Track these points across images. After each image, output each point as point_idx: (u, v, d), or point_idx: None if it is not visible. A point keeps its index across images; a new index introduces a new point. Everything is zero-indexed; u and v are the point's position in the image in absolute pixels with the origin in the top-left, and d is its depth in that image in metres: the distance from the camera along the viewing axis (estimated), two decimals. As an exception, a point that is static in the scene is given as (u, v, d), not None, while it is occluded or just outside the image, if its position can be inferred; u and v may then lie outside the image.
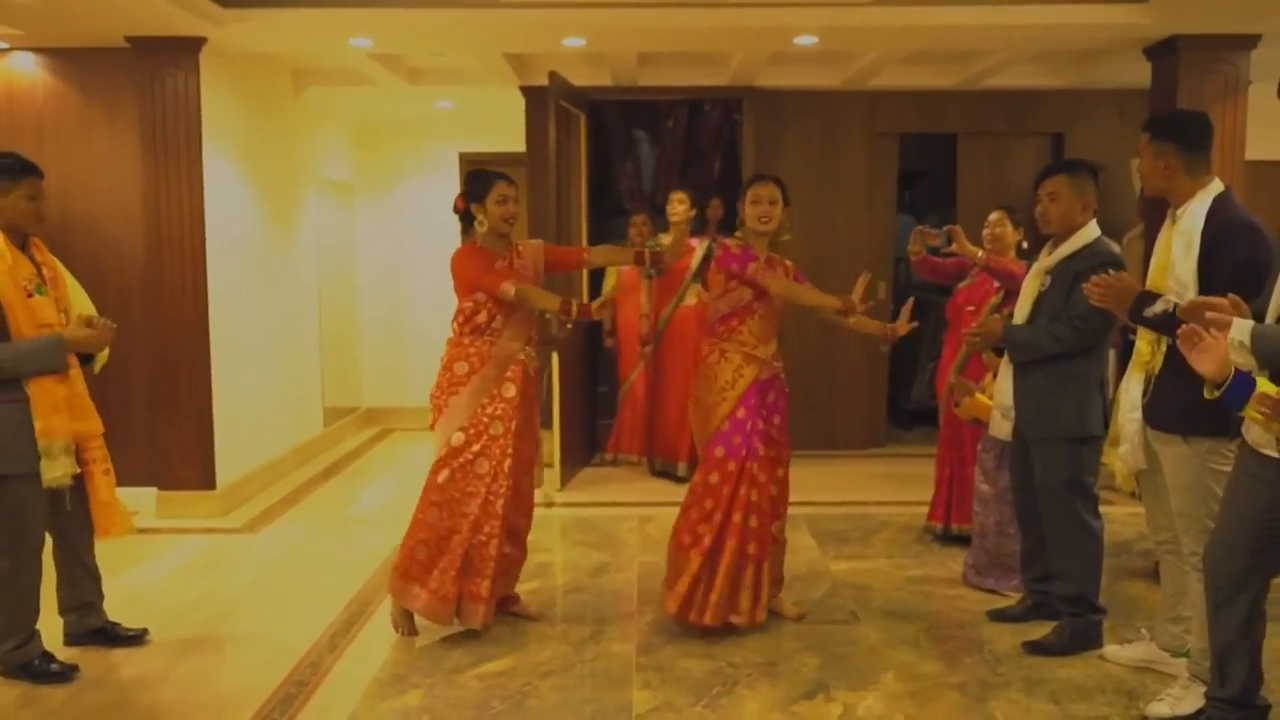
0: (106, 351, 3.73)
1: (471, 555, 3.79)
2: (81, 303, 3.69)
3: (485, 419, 3.82)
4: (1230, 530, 2.81)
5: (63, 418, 3.44)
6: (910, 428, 7.80)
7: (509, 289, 3.76)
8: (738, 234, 4.05)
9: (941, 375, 4.80)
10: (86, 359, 3.66)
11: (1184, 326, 2.58)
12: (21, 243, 3.53)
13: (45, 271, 3.57)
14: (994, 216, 4.64)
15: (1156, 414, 3.19)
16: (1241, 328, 2.52)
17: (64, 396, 3.46)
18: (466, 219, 3.99)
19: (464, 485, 3.80)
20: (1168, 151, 3.18)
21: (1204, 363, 2.51)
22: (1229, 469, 2.96)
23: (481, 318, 3.88)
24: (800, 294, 3.90)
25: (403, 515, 5.58)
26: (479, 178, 3.98)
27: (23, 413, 3.38)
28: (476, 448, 3.80)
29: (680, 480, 6.28)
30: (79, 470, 3.53)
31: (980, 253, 4.58)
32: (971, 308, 4.46)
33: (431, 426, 3.91)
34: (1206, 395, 2.52)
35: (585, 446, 6.79)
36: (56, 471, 3.43)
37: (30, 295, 3.43)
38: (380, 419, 8.32)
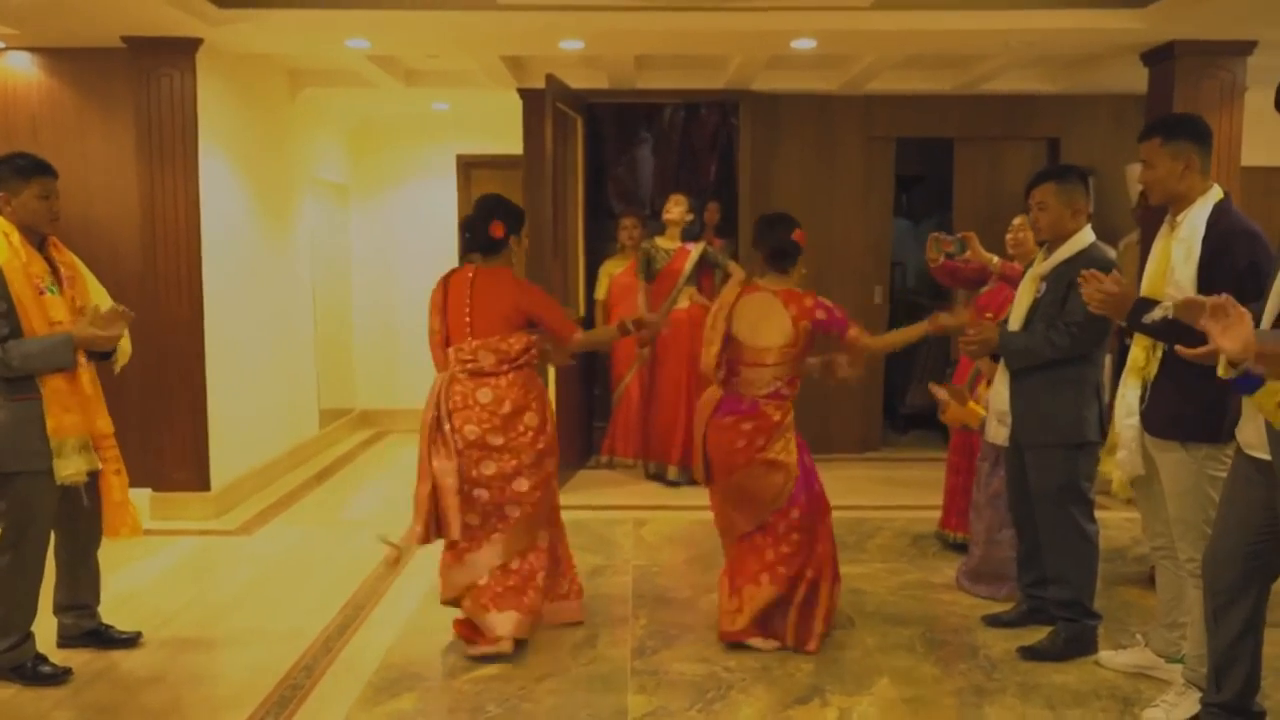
0: (128, 349, 3.73)
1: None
2: (102, 301, 3.68)
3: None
4: (1227, 535, 2.81)
5: (75, 416, 3.44)
6: (905, 431, 7.80)
7: (579, 337, 3.92)
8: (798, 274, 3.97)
9: (958, 381, 4.77)
10: (104, 356, 3.65)
11: (1214, 300, 2.50)
12: (40, 242, 3.54)
13: (63, 271, 3.58)
14: (1017, 221, 4.50)
15: (1154, 420, 3.19)
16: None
17: (76, 395, 3.46)
18: (499, 248, 3.89)
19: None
20: (1187, 150, 3.15)
21: (1231, 339, 2.43)
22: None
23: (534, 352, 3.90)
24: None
25: (396, 518, 5.60)
26: (515, 211, 3.93)
27: (35, 410, 3.39)
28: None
29: (671, 484, 6.28)
30: (98, 468, 3.53)
31: (995, 259, 4.54)
32: (990, 314, 4.38)
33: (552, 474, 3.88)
34: (1221, 373, 2.47)
35: (580, 449, 6.78)
36: (69, 469, 3.43)
37: (42, 293, 3.44)
38: (374, 421, 8.31)
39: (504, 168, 7.82)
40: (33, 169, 3.50)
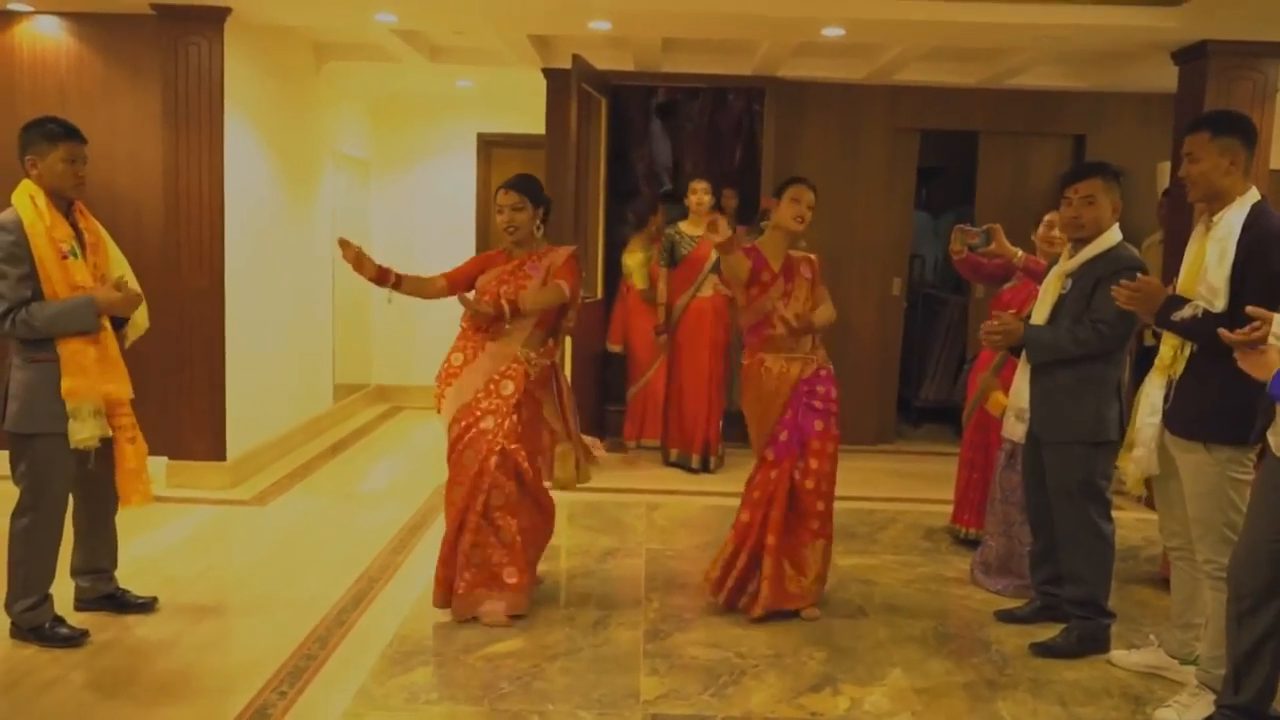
0: (145, 321, 3.75)
1: (449, 545, 3.84)
2: (120, 269, 3.69)
3: (478, 412, 3.82)
4: (1255, 541, 2.80)
5: (90, 380, 3.44)
6: (919, 424, 7.79)
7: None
8: (762, 224, 4.12)
9: (976, 377, 4.73)
10: (120, 325, 3.66)
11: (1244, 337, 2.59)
12: (66, 207, 3.55)
13: (87, 237, 3.59)
14: (1050, 218, 4.43)
15: (1177, 420, 3.17)
16: None
17: (94, 359, 3.46)
18: None
19: (455, 476, 3.84)
20: (1235, 147, 3.12)
21: (1253, 369, 2.53)
22: (1248, 478, 2.96)
23: None
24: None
25: (410, 492, 5.65)
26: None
27: (53, 373, 3.41)
28: (466, 440, 3.82)
29: (694, 472, 6.28)
30: (110, 434, 3.54)
31: (1019, 253, 4.50)
32: (1013, 310, 4.33)
33: (438, 412, 3.97)
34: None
35: (594, 431, 6.78)
36: (84, 433, 3.44)
37: (65, 257, 3.45)
38: (389, 396, 8.34)
39: (524, 147, 7.82)
40: (61, 133, 3.50)
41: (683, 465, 6.36)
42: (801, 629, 3.88)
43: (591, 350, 6.64)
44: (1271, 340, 2.54)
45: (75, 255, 3.49)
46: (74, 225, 3.57)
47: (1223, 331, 2.65)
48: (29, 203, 3.43)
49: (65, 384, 3.40)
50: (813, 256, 4.12)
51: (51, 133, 3.49)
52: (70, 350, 3.43)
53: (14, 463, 3.47)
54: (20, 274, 3.36)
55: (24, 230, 3.38)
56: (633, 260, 6.63)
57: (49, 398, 3.41)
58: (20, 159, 3.49)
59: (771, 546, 3.89)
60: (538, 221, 3.98)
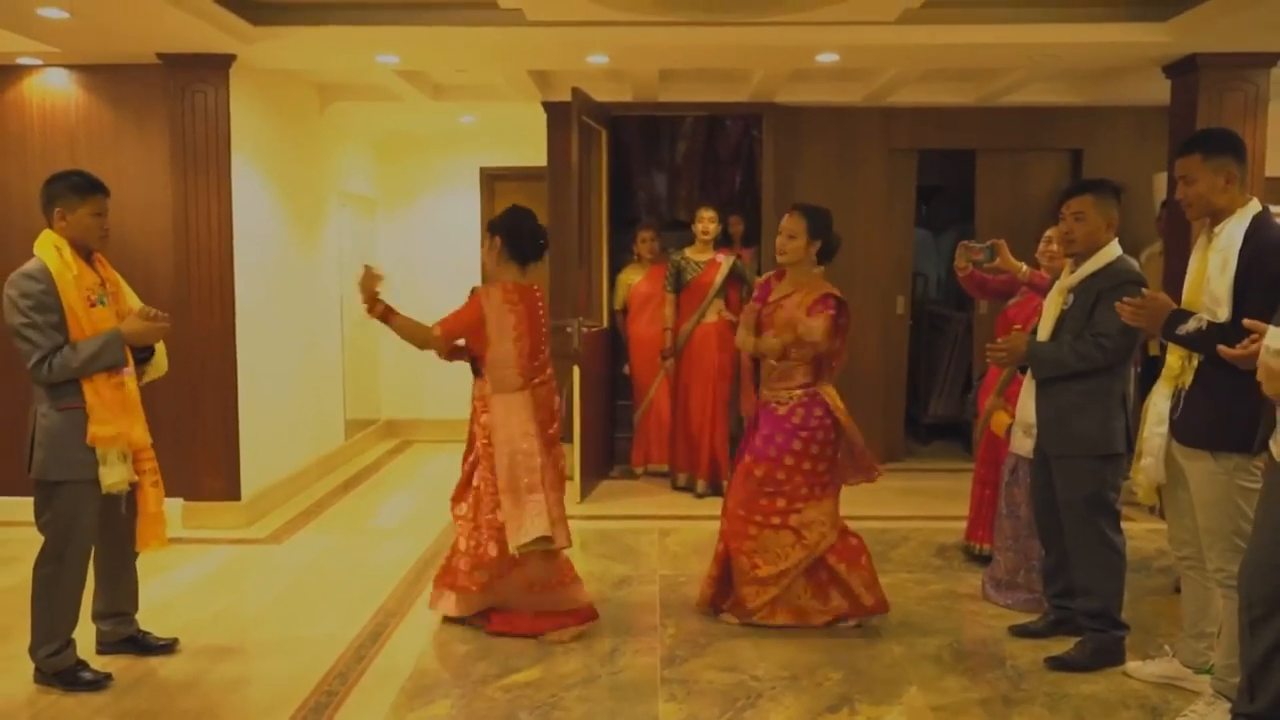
0: (164, 361, 3.82)
1: None
2: None
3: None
4: (1263, 548, 2.81)
5: (116, 427, 3.49)
6: (927, 442, 7.81)
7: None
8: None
9: (984, 394, 4.77)
10: (143, 359, 3.72)
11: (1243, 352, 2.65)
12: (87, 257, 3.62)
13: (108, 286, 3.66)
14: (1050, 233, 4.42)
15: (1185, 429, 3.20)
16: (1276, 335, 2.55)
17: (119, 405, 3.52)
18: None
19: None
20: (1227, 165, 3.16)
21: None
22: (1257, 486, 2.98)
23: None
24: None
25: (423, 526, 5.69)
26: None
27: (80, 420, 3.46)
28: None
29: (700, 496, 6.30)
30: (136, 478, 3.60)
31: (1024, 268, 4.54)
32: (1018, 326, 4.32)
33: None
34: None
35: (603, 460, 6.82)
36: (114, 477, 3.50)
37: (93, 305, 3.52)
38: (400, 431, 8.38)
39: (526, 180, 7.91)
40: (88, 187, 3.58)
41: (688, 489, 6.39)
42: (816, 650, 3.90)
43: (598, 379, 6.68)
44: (1263, 355, 2.58)
45: (102, 304, 3.56)
46: (96, 274, 3.63)
47: (1222, 348, 2.69)
48: (54, 253, 3.49)
49: (92, 429, 3.45)
50: (818, 294, 4.05)
51: (79, 186, 3.56)
52: (97, 396, 3.47)
53: (39, 510, 3.52)
54: (51, 322, 3.43)
55: (53, 279, 3.45)
56: (621, 279, 6.76)
57: (75, 444, 3.46)
58: (46, 211, 3.55)
59: (720, 553, 4.25)
60: (497, 253, 4.15)
